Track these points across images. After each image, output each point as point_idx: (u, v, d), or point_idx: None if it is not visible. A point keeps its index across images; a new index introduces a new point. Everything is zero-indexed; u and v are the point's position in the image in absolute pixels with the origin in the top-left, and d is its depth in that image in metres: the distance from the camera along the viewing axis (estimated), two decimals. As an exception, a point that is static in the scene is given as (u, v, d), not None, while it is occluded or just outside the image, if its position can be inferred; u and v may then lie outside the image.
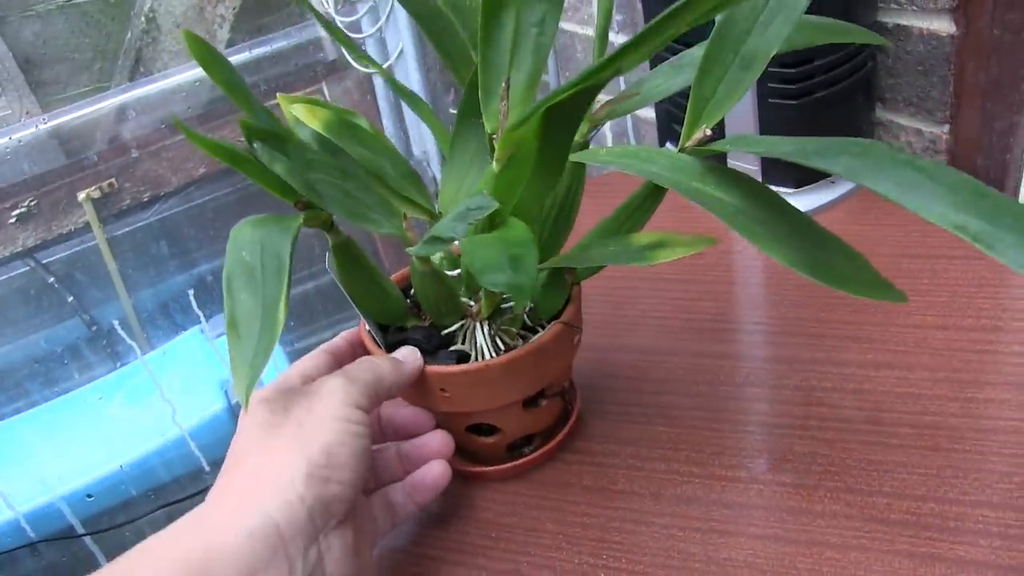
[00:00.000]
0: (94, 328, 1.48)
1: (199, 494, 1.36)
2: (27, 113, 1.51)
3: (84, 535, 1.26)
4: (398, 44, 1.37)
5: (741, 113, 0.86)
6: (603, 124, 0.56)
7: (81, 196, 1.41)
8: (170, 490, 1.35)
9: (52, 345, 1.48)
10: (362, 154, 0.58)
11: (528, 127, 0.47)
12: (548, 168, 0.51)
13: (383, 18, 1.36)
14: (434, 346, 0.61)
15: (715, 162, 0.48)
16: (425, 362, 0.59)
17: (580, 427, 0.69)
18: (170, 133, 1.46)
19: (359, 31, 1.40)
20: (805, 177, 0.89)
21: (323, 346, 0.59)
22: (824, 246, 0.45)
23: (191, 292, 1.51)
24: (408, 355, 0.58)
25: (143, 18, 1.47)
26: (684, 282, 0.83)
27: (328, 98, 1.55)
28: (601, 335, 0.78)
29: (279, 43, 1.51)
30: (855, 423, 0.65)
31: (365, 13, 1.38)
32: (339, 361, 0.58)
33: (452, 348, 0.60)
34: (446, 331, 0.61)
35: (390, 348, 0.61)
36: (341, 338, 0.61)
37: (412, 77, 1.39)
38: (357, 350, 0.61)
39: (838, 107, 0.86)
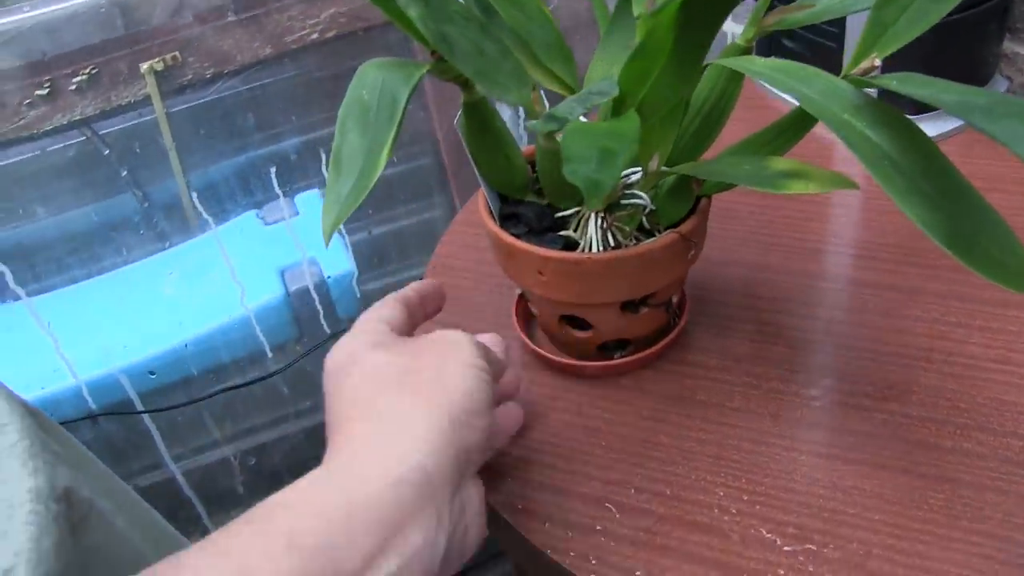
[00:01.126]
0: (146, 204, 1.46)
1: (262, 379, 1.35)
2: (90, -21, 1.46)
3: (143, 412, 1.25)
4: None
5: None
6: (772, 31, 0.52)
7: (144, 67, 1.38)
8: (230, 372, 1.33)
9: (104, 218, 1.45)
10: (513, 16, 0.54)
11: (666, 14, 0.44)
12: (682, 63, 0.48)
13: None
14: (544, 226, 0.59)
15: (875, 98, 0.44)
16: (531, 242, 0.57)
17: (691, 340, 0.67)
18: (238, 9, 1.42)
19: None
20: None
21: (396, 296, 0.56)
22: (972, 216, 0.40)
23: (269, 169, 1.47)
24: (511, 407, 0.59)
25: None
26: (793, 200, 0.80)
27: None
28: (711, 248, 0.75)
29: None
30: (983, 361, 0.62)
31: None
32: (411, 313, 0.55)
33: (562, 232, 0.58)
34: (560, 214, 0.58)
35: (504, 220, 0.60)
36: (411, 290, 0.57)
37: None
38: (427, 304, 0.58)
39: (969, 33, 0.81)
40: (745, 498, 0.55)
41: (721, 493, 0.55)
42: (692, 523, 0.54)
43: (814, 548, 0.52)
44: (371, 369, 0.48)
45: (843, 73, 0.47)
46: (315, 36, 1.46)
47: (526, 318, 0.69)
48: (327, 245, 0.43)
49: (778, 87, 0.44)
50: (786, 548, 0.52)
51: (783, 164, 0.48)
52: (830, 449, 0.57)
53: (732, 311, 0.69)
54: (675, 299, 0.64)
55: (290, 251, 1.33)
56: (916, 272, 0.70)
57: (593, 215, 0.55)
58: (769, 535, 0.53)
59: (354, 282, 1.34)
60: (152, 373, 1.22)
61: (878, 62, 0.45)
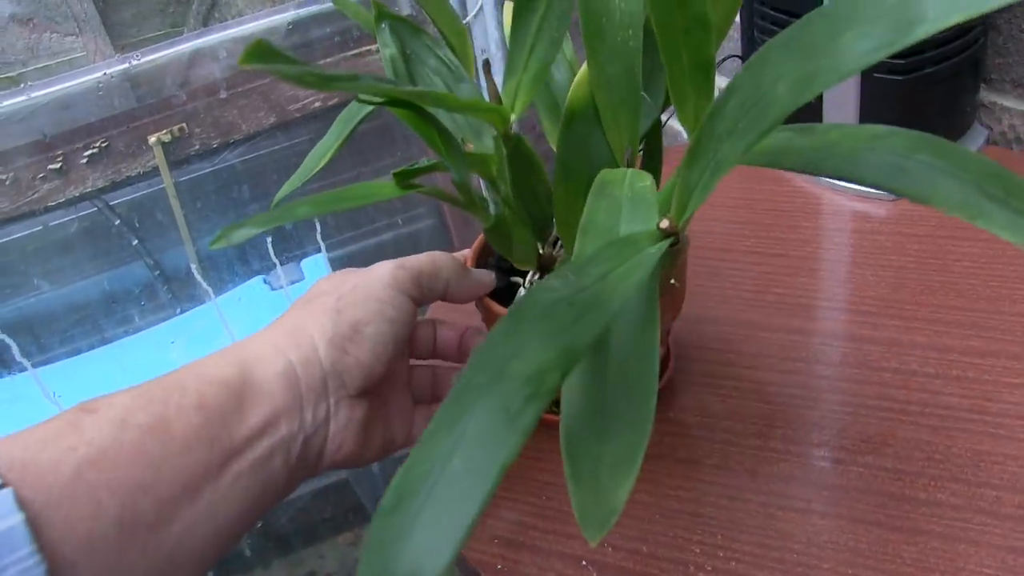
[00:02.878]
0: (157, 273, 1.48)
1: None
2: (100, 54, 1.50)
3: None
4: (478, 2, 1.35)
5: (843, 89, 0.84)
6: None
7: (152, 139, 1.41)
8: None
9: (115, 287, 1.48)
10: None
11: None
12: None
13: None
14: (505, 267, 0.60)
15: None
16: (499, 282, 0.59)
17: (674, 398, 0.67)
18: (242, 80, 1.45)
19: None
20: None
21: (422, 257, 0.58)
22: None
23: (276, 235, 1.50)
24: (481, 272, 0.59)
25: (220, -37, 1.46)
26: (776, 256, 0.81)
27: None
28: (692, 305, 0.76)
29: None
30: (959, 411, 0.62)
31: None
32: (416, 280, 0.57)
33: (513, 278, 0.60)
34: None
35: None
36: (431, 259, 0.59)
37: (490, 31, 1.37)
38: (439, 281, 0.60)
39: (944, 84, 0.83)
40: (720, 554, 0.55)
41: (697, 550, 0.56)
42: (668, 582, 0.54)
43: (788, 604, 0.52)
44: (316, 284, 0.56)
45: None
46: (318, 104, 1.50)
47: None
48: (211, 246, 0.49)
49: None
50: (760, 605, 0.52)
51: None
52: (807, 504, 0.58)
53: (712, 367, 0.70)
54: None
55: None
56: (896, 324, 0.71)
57: (531, 272, 0.58)
58: (743, 592, 0.53)
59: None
60: None
61: (664, 224, 0.43)
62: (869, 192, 0.86)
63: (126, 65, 1.43)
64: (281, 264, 1.48)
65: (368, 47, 1.52)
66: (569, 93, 0.50)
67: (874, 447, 0.61)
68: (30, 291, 1.46)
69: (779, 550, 0.55)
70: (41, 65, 1.49)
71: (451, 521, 0.24)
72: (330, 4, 1.55)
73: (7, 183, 1.41)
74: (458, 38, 0.56)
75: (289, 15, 1.48)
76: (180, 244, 1.48)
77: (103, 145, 1.41)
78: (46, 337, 1.43)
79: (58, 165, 1.41)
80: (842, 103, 0.84)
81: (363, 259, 1.59)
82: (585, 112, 0.49)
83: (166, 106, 1.43)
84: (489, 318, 0.58)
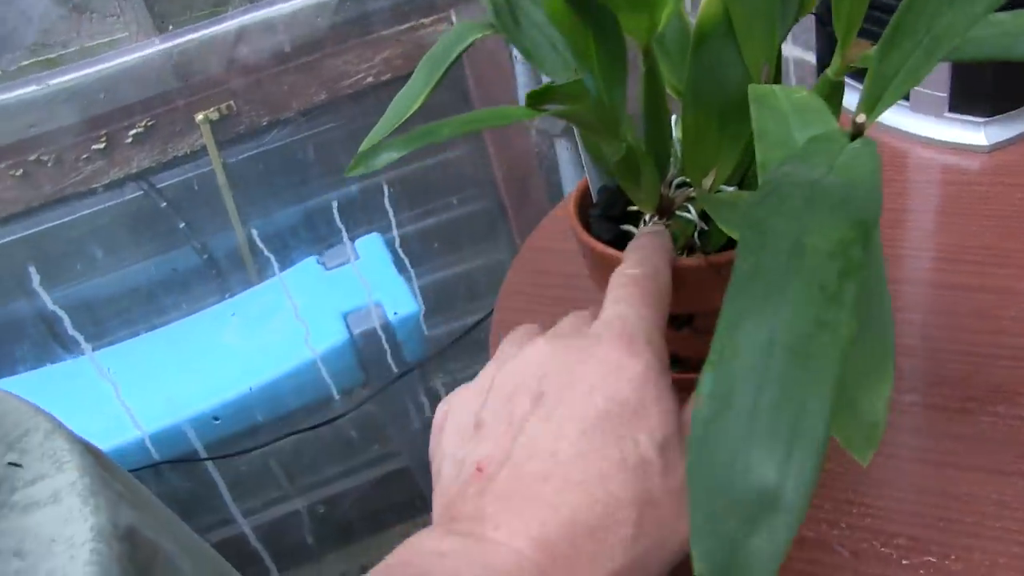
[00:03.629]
0: (205, 256, 1.45)
1: (326, 423, 1.33)
2: (143, 34, 1.48)
3: (208, 459, 1.24)
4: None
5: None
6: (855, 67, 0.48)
7: (199, 118, 1.38)
8: (297, 417, 1.32)
9: (163, 271, 1.46)
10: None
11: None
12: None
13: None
14: (614, 213, 0.55)
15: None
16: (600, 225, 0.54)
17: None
18: (291, 56, 1.42)
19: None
20: (1000, 105, 0.82)
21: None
22: None
23: (329, 214, 1.47)
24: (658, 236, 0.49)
25: (267, -63, 1.43)
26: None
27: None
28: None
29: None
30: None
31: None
32: None
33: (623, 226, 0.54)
34: (630, 207, 0.54)
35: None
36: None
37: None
38: None
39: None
40: (854, 511, 0.52)
41: (828, 507, 0.52)
42: (799, 539, 0.51)
43: (934, 560, 0.48)
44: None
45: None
46: (370, 80, 1.46)
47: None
48: (347, 172, 0.42)
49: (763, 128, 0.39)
50: (904, 562, 0.49)
51: None
52: (939, 456, 0.54)
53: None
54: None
55: (353, 294, 1.32)
56: (1006, 273, 0.67)
57: (647, 217, 0.53)
58: (884, 549, 0.50)
59: (420, 322, 1.33)
60: (216, 419, 1.21)
61: (863, 118, 0.40)
62: (960, 143, 0.82)
63: (170, 44, 1.40)
64: (336, 244, 1.46)
65: (422, 19, 1.49)
66: (699, 10, 0.46)
67: (1005, 396, 0.57)
68: (75, 278, 1.44)
69: (914, 503, 0.52)
70: (82, 47, 1.46)
71: (800, 428, 0.21)
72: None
73: (49, 164, 1.38)
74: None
75: (339, -10, 1.45)
76: (229, 226, 1.45)
77: (149, 124, 1.39)
78: (102, 320, 1.41)
79: (102, 145, 1.39)
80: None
81: (420, 240, 1.56)
82: (717, 29, 0.46)
83: (213, 84, 1.40)
84: (601, 268, 0.54)
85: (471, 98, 1.55)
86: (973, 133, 0.81)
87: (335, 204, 1.48)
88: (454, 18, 1.49)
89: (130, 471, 1.03)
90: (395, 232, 1.51)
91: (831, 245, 0.25)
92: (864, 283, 0.24)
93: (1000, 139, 0.81)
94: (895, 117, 0.85)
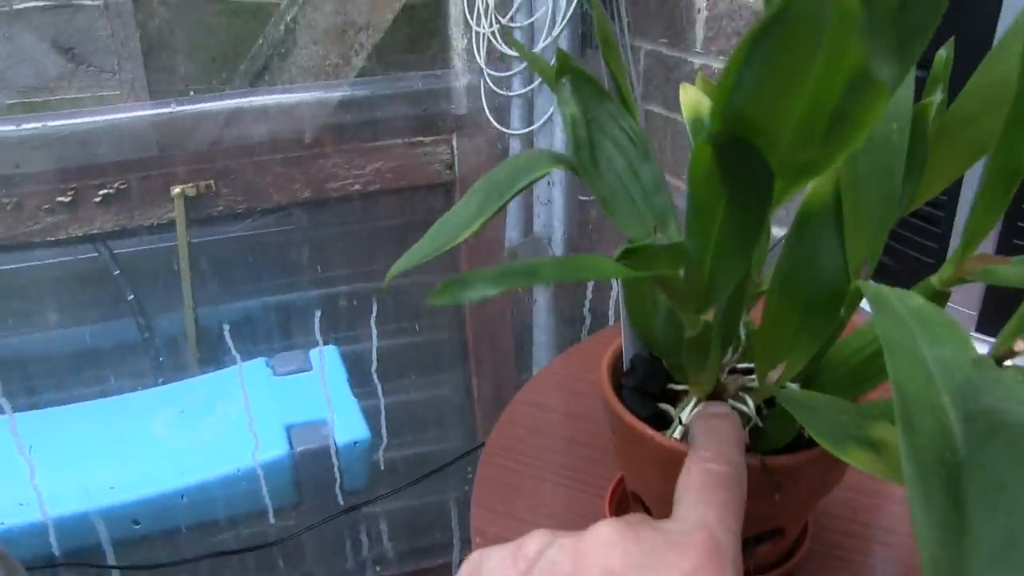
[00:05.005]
0: (147, 334, 1.37)
1: (252, 549, 1.23)
2: (135, 96, 1.43)
3: (115, 567, 1.11)
4: (548, 109, 1.28)
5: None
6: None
7: (175, 191, 1.32)
8: (222, 528, 1.21)
9: (100, 340, 1.37)
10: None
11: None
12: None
13: (535, 82, 1.28)
14: (650, 389, 0.49)
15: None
16: (634, 400, 0.48)
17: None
18: (283, 147, 1.37)
19: (508, 89, 1.32)
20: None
21: None
22: None
23: (285, 317, 1.40)
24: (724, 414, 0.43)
25: (282, 27, 1.39)
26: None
27: (455, 152, 1.46)
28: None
29: (413, 84, 1.44)
30: None
31: (517, 72, 1.30)
32: None
33: (662, 405, 0.48)
34: (671, 386, 0.49)
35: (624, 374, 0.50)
36: None
37: (556, 143, 1.30)
38: None
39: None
40: None
41: None
42: None
43: None
44: None
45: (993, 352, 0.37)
46: (357, 187, 1.42)
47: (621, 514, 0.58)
48: (385, 285, 0.35)
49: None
50: None
51: (875, 430, 0.39)
52: None
53: (841, 539, 0.60)
54: (782, 536, 0.53)
55: (299, 407, 1.24)
56: None
57: (694, 400, 0.47)
58: None
59: (368, 451, 1.24)
60: (136, 523, 1.10)
61: (1020, 345, 0.34)
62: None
63: (160, 111, 1.35)
64: (288, 349, 1.38)
65: (422, 138, 1.45)
66: (808, 189, 0.41)
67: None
68: (16, 329, 1.35)
69: None
70: (71, 96, 1.41)
71: None
72: (385, 89, 1.50)
73: (8, 207, 1.31)
74: (629, 96, 0.48)
75: (341, 93, 1.41)
76: (180, 308, 1.38)
77: (121, 187, 1.32)
78: (23, 379, 1.32)
79: (68, 199, 1.32)
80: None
81: (377, 359, 1.49)
82: (823, 213, 0.41)
83: (196, 159, 1.34)
84: (633, 447, 0.48)
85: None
86: None
87: (297, 307, 1.41)
88: (455, 141, 1.46)
89: (26, 567, 0.92)
90: (353, 347, 1.44)
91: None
92: None
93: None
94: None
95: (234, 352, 1.38)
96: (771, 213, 0.49)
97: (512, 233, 1.46)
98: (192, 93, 1.41)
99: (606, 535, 0.35)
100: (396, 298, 1.48)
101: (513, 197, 0.43)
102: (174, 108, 1.35)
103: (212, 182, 1.35)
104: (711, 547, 0.34)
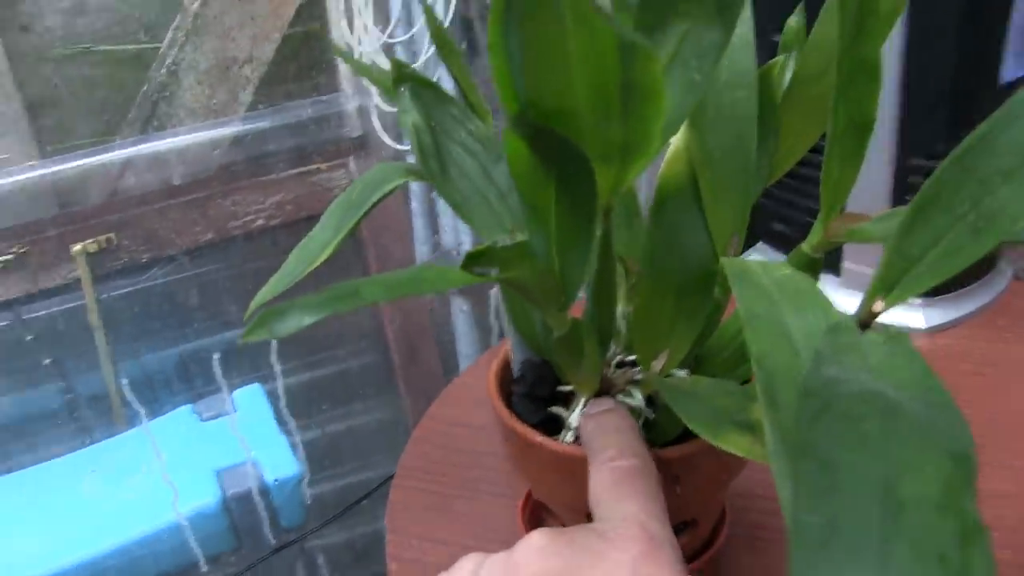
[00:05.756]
0: (70, 396, 1.34)
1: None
2: (26, 156, 1.39)
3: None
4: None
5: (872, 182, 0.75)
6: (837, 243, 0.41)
7: (75, 249, 1.28)
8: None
9: (22, 410, 1.33)
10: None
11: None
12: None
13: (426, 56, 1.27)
14: (540, 394, 0.47)
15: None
16: (524, 406, 0.46)
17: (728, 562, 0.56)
18: (178, 192, 1.34)
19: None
20: (939, 286, 0.78)
21: None
22: None
23: (207, 361, 1.37)
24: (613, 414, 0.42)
25: (164, 70, 1.36)
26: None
27: (354, 175, 1.44)
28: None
29: (303, 112, 1.42)
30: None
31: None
32: None
33: (553, 408, 0.46)
34: (561, 388, 0.47)
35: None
36: None
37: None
38: None
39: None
40: None
41: None
42: None
43: None
44: None
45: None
46: (260, 222, 1.39)
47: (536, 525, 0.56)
48: (244, 338, 0.32)
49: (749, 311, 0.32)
50: None
51: (755, 411, 0.37)
52: None
53: (763, 518, 0.59)
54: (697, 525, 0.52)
55: (228, 450, 1.21)
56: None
57: (582, 400, 0.45)
58: None
59: (301, 486, 1.22)
60: None
61: (880, 306, 0.33)
62: (896, 325, 0.78)
63: (51, 169, 1.31)
64: (212, 393, 1.35)
65: (319, 165, 1.43)
66: (661, 170, 0.40)
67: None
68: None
69: None
70: (-43, 166, 1.36)
71: None
72: (277, 120, 1.47)
73: (-94, 289, 1.27)
74: (476, 99, 0.46)
75: (232, 129, 1.39)
76: (98, 367, 1.34)
77: (20, 251, 1.28)
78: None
79: (-32, 271, 1.28)
80: (872, 202, 0.75)
81: (303, 393, 1.47)
82: (681, 193, 0.40)
83: (93, 214, 1.31)
84: (529, 457, 0.46)
85: (365, 249, 1.48)
86: (911, 314, 0.77)
87: (215, 350, 1.38)
88: (352, 165, 1.44)
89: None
90: (278, 383, 1.42)
91: (937, 493, 0.18)
92: (991, 556, 0.17)
93: (938, 322, 0.77)
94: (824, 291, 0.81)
95: (143, 408, 1.35)
96: (621, 199, 0.48)
97: (422, 249, 1.44)
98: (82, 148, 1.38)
99: (537, 542, 0.35)
100: (317, 328, 1.46)
101: (368, 213, 0.42)
102: (64, 165, 1.32)
103: (112, 235, 1.31)
104: (646, 537, 0.34)
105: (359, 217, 0.42)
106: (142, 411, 1.33)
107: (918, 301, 0.77)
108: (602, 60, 0.28)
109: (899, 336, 0.27)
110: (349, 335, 1.51)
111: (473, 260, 0.33)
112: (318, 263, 0.41)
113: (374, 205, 0.42)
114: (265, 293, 0.43)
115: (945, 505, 0.18)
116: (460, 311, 1.46)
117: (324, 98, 1.45)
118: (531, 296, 0.37)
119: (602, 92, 0.29)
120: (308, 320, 0.29)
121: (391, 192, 0.43)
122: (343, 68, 1.46)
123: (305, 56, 1.45)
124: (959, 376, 0.71)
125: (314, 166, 1.43)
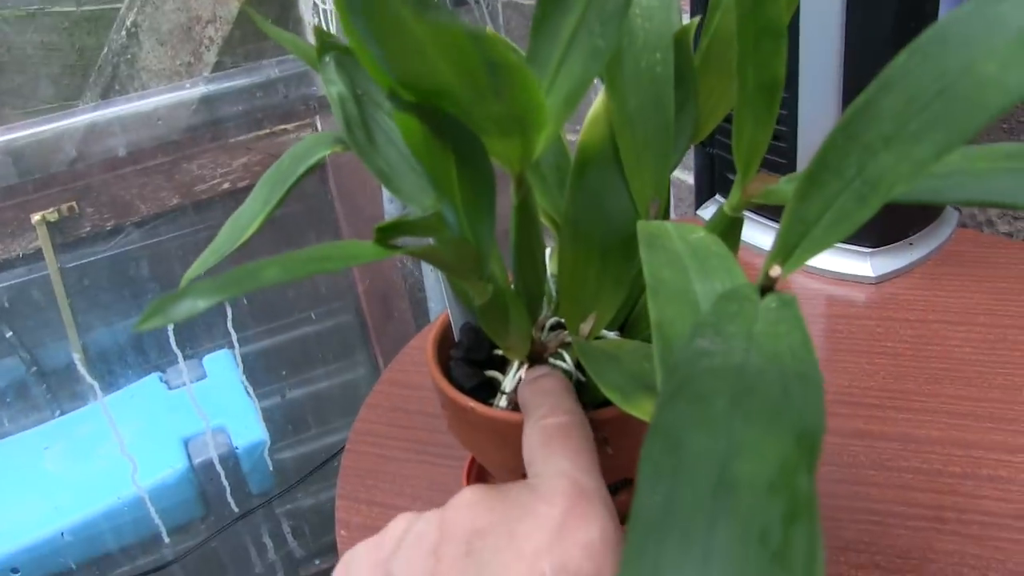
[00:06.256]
0: (34, 369, 1.33)
1: (155, 571, 1.20)
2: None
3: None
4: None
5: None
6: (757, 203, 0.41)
7: (36, 218, 1.27)
8: (117, 561, 1.18)
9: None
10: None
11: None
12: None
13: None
14: (477, 358, 0.48)
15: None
16: (461, 370, 0.47)
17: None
18: (143, 156, 1.33)
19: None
20: (886, 235, 0.79)
21: None
22: None
23: (169, 329, 1.36)
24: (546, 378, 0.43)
25: (123, 32, 1.35)
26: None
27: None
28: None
29: (270, 72, 1.40)
30: (1003, 517, 0.54)
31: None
32: None
33: (489, 372, 0.47)
34: (496, 351, 0.47)
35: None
36: None
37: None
38: None
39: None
40: None
41: None
42: None
43: None
44: None
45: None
46: (226, 185, 1.38)
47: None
48: (138, 326, 0.32)
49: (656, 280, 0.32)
50: None
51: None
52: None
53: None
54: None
55: (195, 419, 1.21)
56: (904, 418, 0.63)
57: (516, 365, 0.45)
58: None
59: (266, 452, 1.22)
60: (15, 571, 1.06)
61: (778, 271, 0.33)
62: (845, 274, 0.78)
63: (9, 136, 1.30)
64: (183, 359, 1.35)
65: (284, 125, 1.42)
66: (581, 134, 0.40)
67: (914, 564, 0.51)
68: None
69: None
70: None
71: None
72: (242, 80, 1.46)
73: None
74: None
75: (198, 91, 1.37)
76: (63, 337, 1.33)
77: (-22, 223, 1.27)
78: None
79: (-74, 245, 1.27)
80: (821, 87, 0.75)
81: (274, 356, 1.46)
82: (601, 156, 0.40)
83: (54, 182, 1.30)
84: (462, 421, 0.46)
85: (335, 209, 1.48)
86: (859, 263, 0.78)
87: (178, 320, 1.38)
88: (319, 125, 1.43)
89: None
90: (247, 348, 1.41)
91: (771, 472, 0.18)
92: (815, 532, 0.17)
93: (886, 271, 0.77)
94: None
95: (109, 377, 1.35)
96: (555, 162, 0.48)
97: (390, 208, 1.44)
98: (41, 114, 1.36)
99: (468, 498, 0.35)
100: (286, 290, 1.45)
101: (297, 183, 0.42)
102: (23, 132, 1.30)
103: (74, 203, 1.30)
104: (575, 491, 0.34)
105: (287, 189, 0.41)
106: (107, 382, 1.33)
107: (866, 250, 0.78)
108: (457, 46, 0.28)
109: (789, 302, 0.27)
110: (322, 295, 1.51)
111: (385, 232, 0.33)
112: (247, 237, 0.41)
113: (301, 177, 0.42)
114: (195, 269, 0.43)
115: (778, 484, 0.18)
116: (430, 269, 1.46)
117: (291, 57, 1.44)
118: (448, 266, 0.37)
119: (468, 72, 0.29)
120: (203, 305, 0.28)
121: (318, 163, 0.43)
122: (308, 24, 1.44)
123: (270, 14, 1.44)
124: (902, 324, 0.72)
125: (281, 127, 1.42)
